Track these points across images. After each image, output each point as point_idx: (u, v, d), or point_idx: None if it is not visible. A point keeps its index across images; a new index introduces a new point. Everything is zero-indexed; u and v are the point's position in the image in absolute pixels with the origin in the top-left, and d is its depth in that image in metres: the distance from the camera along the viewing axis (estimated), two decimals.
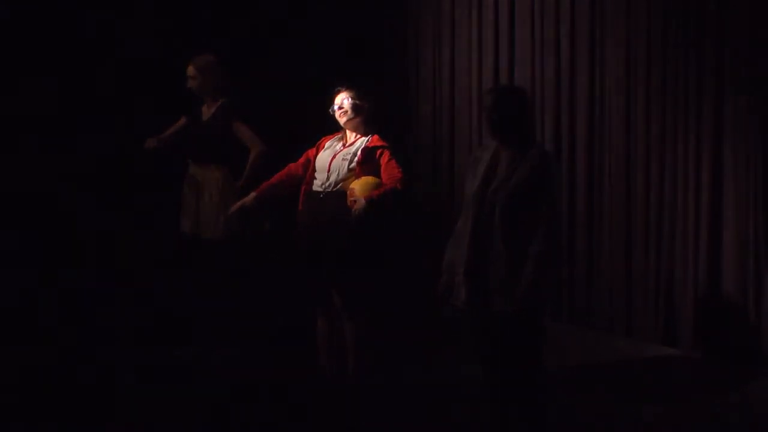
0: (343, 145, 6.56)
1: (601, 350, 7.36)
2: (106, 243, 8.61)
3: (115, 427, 6.10)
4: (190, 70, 7.44)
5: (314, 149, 6.64)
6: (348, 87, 6.58)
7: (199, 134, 7.46)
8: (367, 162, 6.44)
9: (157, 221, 8.21)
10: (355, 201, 6.26)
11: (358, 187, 6.30)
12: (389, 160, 6.45)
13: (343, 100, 6.53)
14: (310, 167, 6.60)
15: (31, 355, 7.14)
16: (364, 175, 6.38)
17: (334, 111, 6.56)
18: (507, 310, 5.34)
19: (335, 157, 6.50)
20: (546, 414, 5.49)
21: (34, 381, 6.73)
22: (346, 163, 6.45)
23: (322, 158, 6.55)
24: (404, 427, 6.12)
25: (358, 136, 6.57)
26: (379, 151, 6.47)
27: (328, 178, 6.48)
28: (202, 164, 7.46)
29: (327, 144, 6.63)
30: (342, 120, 6.57)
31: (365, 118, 6.57)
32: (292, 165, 6.68)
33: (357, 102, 6.53)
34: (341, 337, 6.61)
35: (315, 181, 6.53)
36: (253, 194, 6.68)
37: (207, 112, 7.48)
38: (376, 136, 6.56)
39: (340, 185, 6.44)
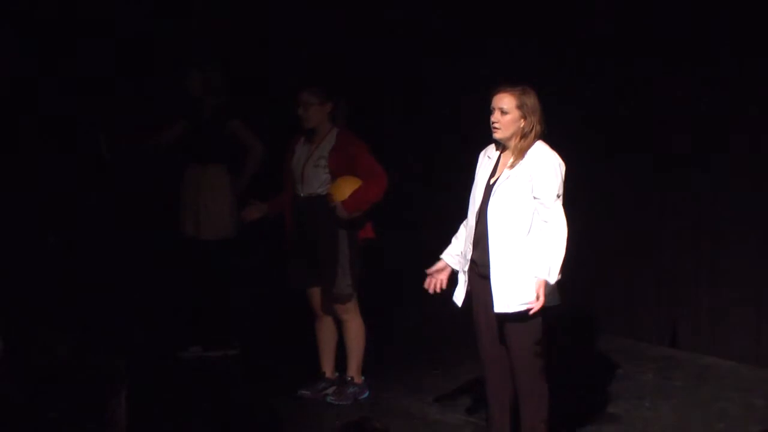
0: (311, 147, 6.48)
1: (601, 350, 7.35)
2: (106, 243, 8.59)
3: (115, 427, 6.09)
4: (194, 72, 7.42)
5: (290, 154, 6.57)
6: (308, 89, 6.43)
7: (197, 134, 7.44)
8: (340, 162, 6.34)
9: (156, 221, 8.20)
10: (335, 206, 6.23)
11: (337, 191, 6.25)
12: (362, 156, 6.33)
13: (302, 109, 6.40)
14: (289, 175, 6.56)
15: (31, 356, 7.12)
16: (341, 176, 6.32)
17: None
18: (508, 312, 5.33)
19: (307, 163, 6.44)
20: (549, 413, 5.47)
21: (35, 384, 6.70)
22: (319, 169, 6.40)
23: (296, 166, 6.49)
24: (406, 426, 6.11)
25: (324, 134, 6.48)
26: (349, 149, 6.36)
27: (304, 186, 6.44)
28: (202, 164, 7.45)
29: (297, 149, 6.55)
30: (305, 126, 6.48)
31: (328, 118, 6.46)
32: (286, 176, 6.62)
33: (317, 106, 6.42)
34: (341, 337, 6.62)
35: (296, 188, 6.50)
36: (265, 206, 6.65)
37: (205, 111, 7.46)
38: (342, 134, 6.43)
39: (319, 190, 6.39)
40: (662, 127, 7.36)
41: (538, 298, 5.19)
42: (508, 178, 5.31)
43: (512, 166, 5.33)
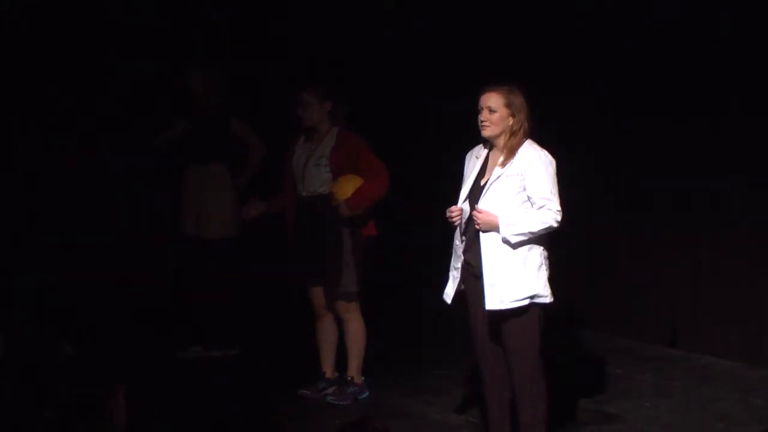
0: (311, 147, 6.48)
1: (601, 350, 7.35)
2: (106, 244, 8.59)
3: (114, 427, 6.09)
4: (195, 71, 7.42)
5: (290, 154, 6.58)
6: (308, 89, 6.44)
7: (198, 133, 7.45)
8: (341, 161, 6.35)
9: (157, 221, 8.21)
10: (338, 205, 6.24)
11: (339, 190, 6.26)
12: (363, 154, 6.35)
13: (302, 108, 6.42)
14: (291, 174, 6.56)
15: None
16: (342, 175, 6.32)
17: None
18: (502, 309, 5.33)
19: (307, 163, 6.44)
20: (547, 412, 5.47)
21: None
22: (320, 168, 6.40)
23: (296, 165, 6.50)
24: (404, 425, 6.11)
25: (323, 133, 6.48)
26: (350, 148, 6.37)
27: (305, 186, 6.44)
28: (203, 163, 7.46)
29: (297, 148, 6.56)
30: (304, 125, 6.49)
31: (328, 117, 6.47)
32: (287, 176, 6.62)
33: (316, 105, 6.43)
34: (341, 337, 6.62)
35: (297, 188, 6.50)
36: (264, 204, 6.66)
37: (206, 110, 7.46)
38: (342, 133, 6.44)
39: (320, 189, 6.40)
40: (662, 128, 7.36)
41: (480, 216, 5.27)
42: (499, 178, 5.33)
43: (503, 165, 5.35)
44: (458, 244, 5.49)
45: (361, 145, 6.39)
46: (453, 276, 5.53)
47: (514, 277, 5.31)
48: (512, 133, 5.37)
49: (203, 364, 7.29)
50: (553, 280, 5.42)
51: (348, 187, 6.24)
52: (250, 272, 7.70)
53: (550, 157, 5.38)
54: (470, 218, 5.41)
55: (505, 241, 5.29)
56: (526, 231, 5.27)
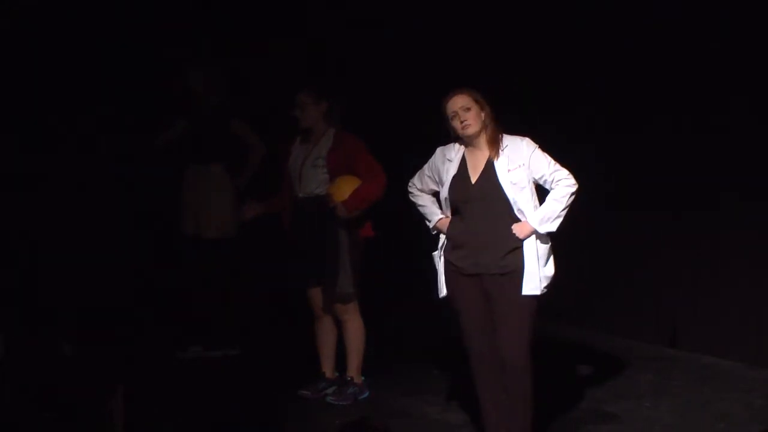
0: (308, 147, 6.49)
1: (601, 350, 7.35)
2: (105, 243, 8.60)
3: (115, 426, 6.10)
4: (195, 71, 7.42)
5: (287, 155, 6.58)
6: (304, 89, 6.45)
7: (198, 133, 7.45)
8: (338, 162, 6.35)
9: (157, 221, 8.21)
10: (335, 206, 6.24)
11: (337, 191, 6.25)
12: (360, 155, 6.34)
13: (298, 109, 6.43)
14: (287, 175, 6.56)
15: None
16: (339, 175, 6.32)
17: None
18: (528, 295, 5.36)
19: (304, 164, 6.44)
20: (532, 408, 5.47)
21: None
22: (317, 169, 6.40)
23: (293, 166, 6.50)
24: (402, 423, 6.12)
25: (320, 134, 6.48)
26: (347, 148, 6.36)
27: (302, 187, 6.44)
28: (202, 163, 7.46)
29: (293, 149, 6.56)
30: (301, 126, 6.49)
31: (324, 118, 6.47)
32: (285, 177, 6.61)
33: (312, 106, 6.44)
34: (340, 338, 6.62)
35: (294, 189, 6.50)
36: (262, 206, 6.67)
37: (205, 111, 7.46)
38: (339, 134, 6.43)
39: (317, 190, 6.40)
40: (662, 128, 7.37)
41: (519, 231, 5.37)
42: (509, 172, 5.36)
43: (497, 158, 5.42)
44: (445, 246, 5.53)
45: (359, 146, 6.39)
46: (440, 270, 5.58)
47: (541, 266, 5.41)
48: (487, 126, 5.49)
49: (203, 364, 7.30)
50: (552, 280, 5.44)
51: (345, 188, 6.24)
52: (250, 272, 7.70)
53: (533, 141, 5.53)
54: (470, 220, 5.44)
55: (548, 233, 5.40)
56: (558, 213, 5.39)
